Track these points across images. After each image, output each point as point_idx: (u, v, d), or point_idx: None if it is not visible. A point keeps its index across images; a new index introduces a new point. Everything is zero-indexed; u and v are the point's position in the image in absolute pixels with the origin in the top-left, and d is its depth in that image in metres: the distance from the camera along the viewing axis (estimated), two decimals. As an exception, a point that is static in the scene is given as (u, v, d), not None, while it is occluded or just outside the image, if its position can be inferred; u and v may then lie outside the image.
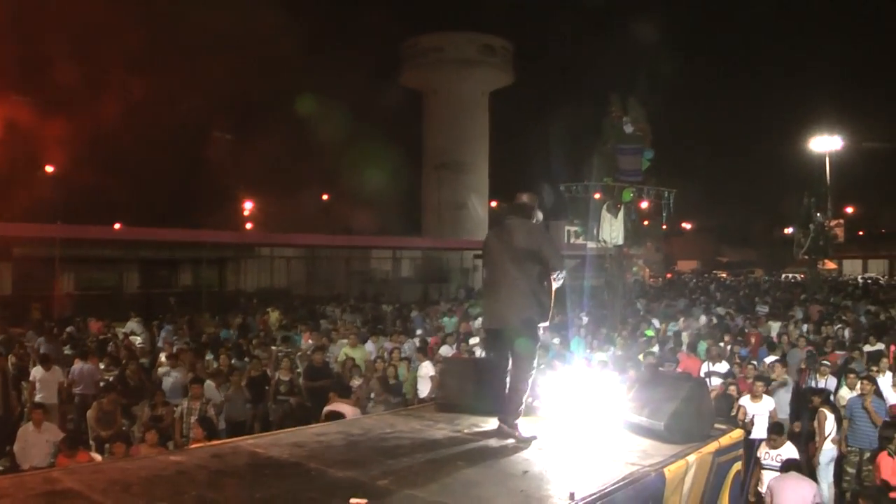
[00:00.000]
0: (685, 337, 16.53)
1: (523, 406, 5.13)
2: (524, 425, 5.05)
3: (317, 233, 40.42)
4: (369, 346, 15.27)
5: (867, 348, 14.11)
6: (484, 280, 5.54)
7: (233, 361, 13.40)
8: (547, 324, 5.31)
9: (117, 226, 30.50)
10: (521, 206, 5.35)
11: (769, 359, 12.99)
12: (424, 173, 57.46)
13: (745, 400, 10.23)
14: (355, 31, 59.39)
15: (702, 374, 11.62)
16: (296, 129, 48.23)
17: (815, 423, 9.89)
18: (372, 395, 12.14)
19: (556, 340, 14.05)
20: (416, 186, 57.87)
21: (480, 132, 58.33)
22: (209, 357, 14.16)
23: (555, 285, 5.24)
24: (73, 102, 31.37)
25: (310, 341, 15.37)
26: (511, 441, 4.91)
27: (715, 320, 20.21)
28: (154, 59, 37.00)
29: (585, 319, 18.41)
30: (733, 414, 9.80)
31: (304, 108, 44.13)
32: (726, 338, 15.31)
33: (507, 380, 5.16)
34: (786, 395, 11.01)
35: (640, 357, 13.16)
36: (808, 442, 10.11)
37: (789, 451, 8.56)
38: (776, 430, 8.81)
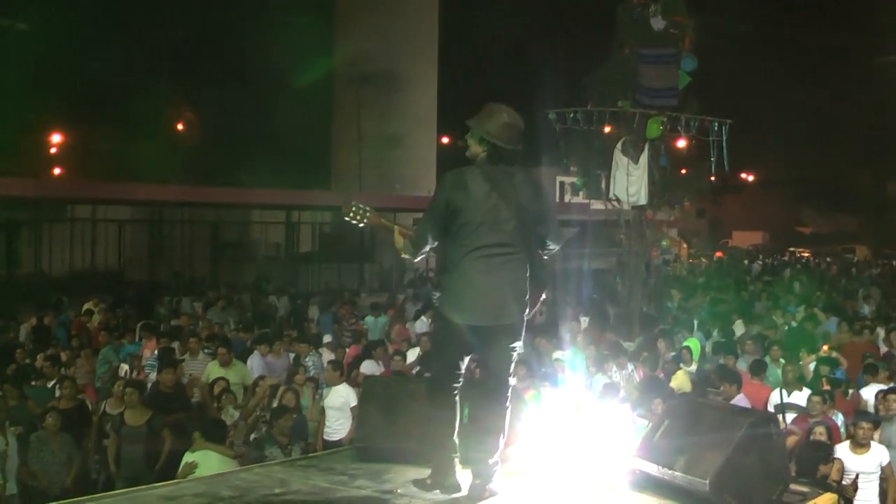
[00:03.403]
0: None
1: (501, 448, 5.17)
2: (501, 478, 5.11)
3: (165, 183, 40.05)
4: (254, 360, 15.20)
5: None
6: (463, 245, 5.28)
7: (23, 388, 13.22)
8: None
9: None
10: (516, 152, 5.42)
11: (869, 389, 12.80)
12: (337, 93, 56.97)
13: (842, 449, 10.02)
14: None
15: (770, 408, 11.71)
16: (138, 23, 47.75)
17: None
18: (253, 437, 12.14)
19: (558, 354, 14.23)
20: (324, 113, 57.44)
21: (426, 33, 57.88)
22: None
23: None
24: None
25: (154, 352, 15.27)
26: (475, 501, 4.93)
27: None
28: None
29: (585, 321, 18.47)
30: (823, 471, 9.74)
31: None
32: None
33: (468, 408, 5.19)
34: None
35: (674, 381, 13.25)
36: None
37: None
38: None
